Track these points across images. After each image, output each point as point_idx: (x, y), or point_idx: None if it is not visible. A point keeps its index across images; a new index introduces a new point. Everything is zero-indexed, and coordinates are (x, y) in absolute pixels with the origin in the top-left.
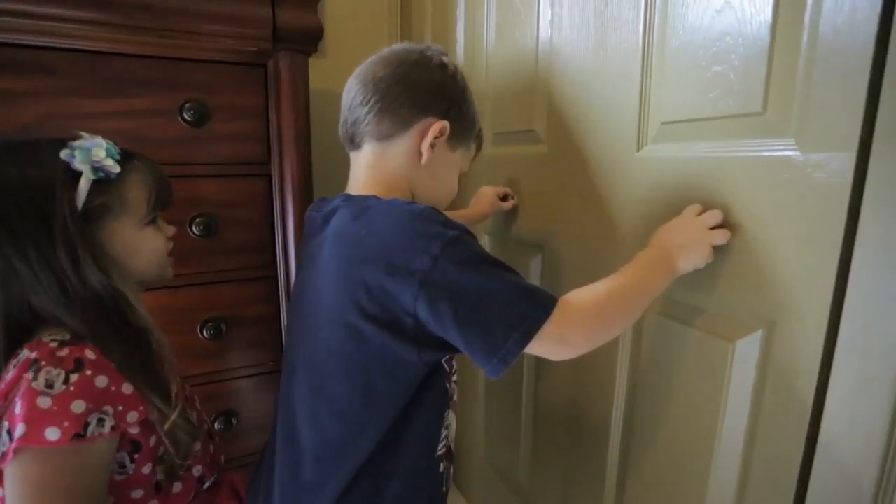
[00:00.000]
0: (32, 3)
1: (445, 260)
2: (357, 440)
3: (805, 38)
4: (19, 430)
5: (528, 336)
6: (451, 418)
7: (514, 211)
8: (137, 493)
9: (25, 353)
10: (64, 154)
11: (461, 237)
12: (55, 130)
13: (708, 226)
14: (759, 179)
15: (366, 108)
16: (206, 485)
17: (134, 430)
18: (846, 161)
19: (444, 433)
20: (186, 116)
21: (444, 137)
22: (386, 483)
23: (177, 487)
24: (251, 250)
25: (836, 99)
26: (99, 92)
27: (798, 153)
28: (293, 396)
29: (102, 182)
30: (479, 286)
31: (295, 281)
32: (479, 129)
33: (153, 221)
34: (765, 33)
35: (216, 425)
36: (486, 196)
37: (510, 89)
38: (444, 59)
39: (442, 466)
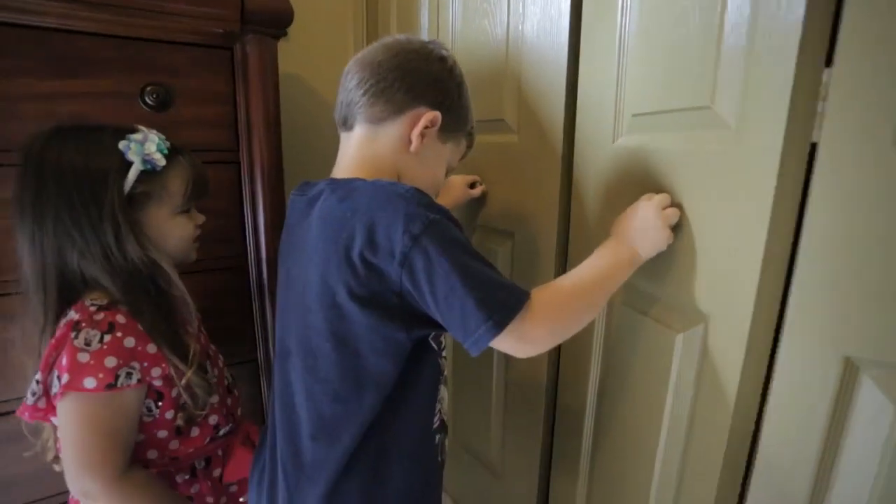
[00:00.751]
0: None
1: (426, 240)
2: (353, 419)
3: (744, 41)
4: (64, 378)
5: (500, 327)
6: (444, 392)
7: (483, 198)
8: (162, 434)
9: (71, 314)
10: (121, 145)
11: (441, 220)
12: (35, 117)
13: (660, 207)
14: (703, 171)
15: (361, 91)
16: (222, 432)
17: (157, 383)
18: (774, 152)
19: (437, 406)
20: (148, 100)
21: (435, 128)
22: (384, 458)
23: (194, 432)
24: (220, 240)
25: (770, 95)
26: (52, 72)
27: (737, 146)
28: (289, 379)
29: (149, 172)
30: (456, 270)
31: (280, 266)
32: (472, 127)
33: (187, 210)
34: (713, 35)
35: None
36: (455, 185)
37: (477, 78)
38: (445, 52)
39: (437, 438)
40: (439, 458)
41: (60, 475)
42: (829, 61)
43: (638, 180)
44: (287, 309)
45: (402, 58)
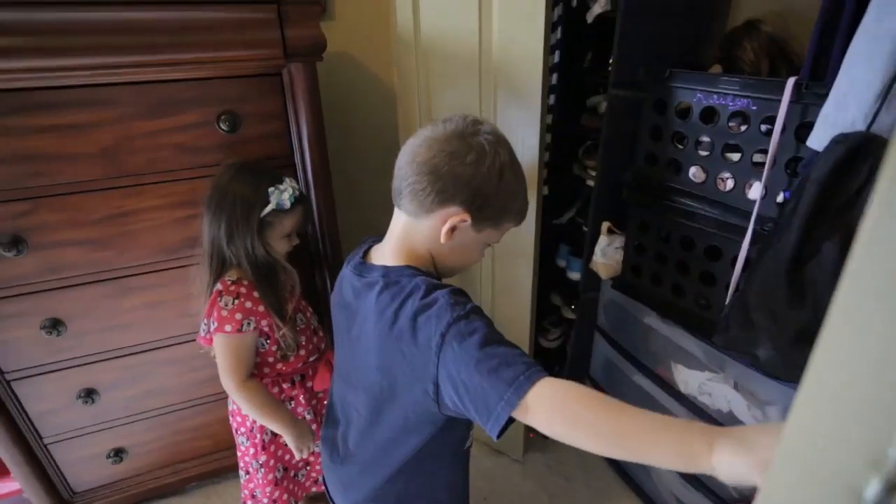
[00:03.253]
0: (87, 55)
1: (451, 338)
2: (401, 449)
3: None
4: (213, 325)
5: (512, 405)
6: None
7: None
8: (269, 359)
9: (217, 286)
10: (270, 190)
11: (463, 316)
12: (146, 150)
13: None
14: None
15: (403, 183)
16: (311, 359)
17: (266, 329)
18: None
19: (470, 433)
20: (223, 125)
21: (467, 223)
22: (432, 462)
23: (291, 359)
24: None
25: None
26: (154, 114)
27: None
28: (350, 398)
29: (277, 210)
30: (477, 361)
31: (338, 319)
32: (519, 208)
33: (288, 237)
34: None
35: None
36: None
37: None
38: (487, 144)
39: (468, 444)
40: (467, 449)
41: (197, 388)
42: None
43: None
44: (350, 357)
45: (437, 160)
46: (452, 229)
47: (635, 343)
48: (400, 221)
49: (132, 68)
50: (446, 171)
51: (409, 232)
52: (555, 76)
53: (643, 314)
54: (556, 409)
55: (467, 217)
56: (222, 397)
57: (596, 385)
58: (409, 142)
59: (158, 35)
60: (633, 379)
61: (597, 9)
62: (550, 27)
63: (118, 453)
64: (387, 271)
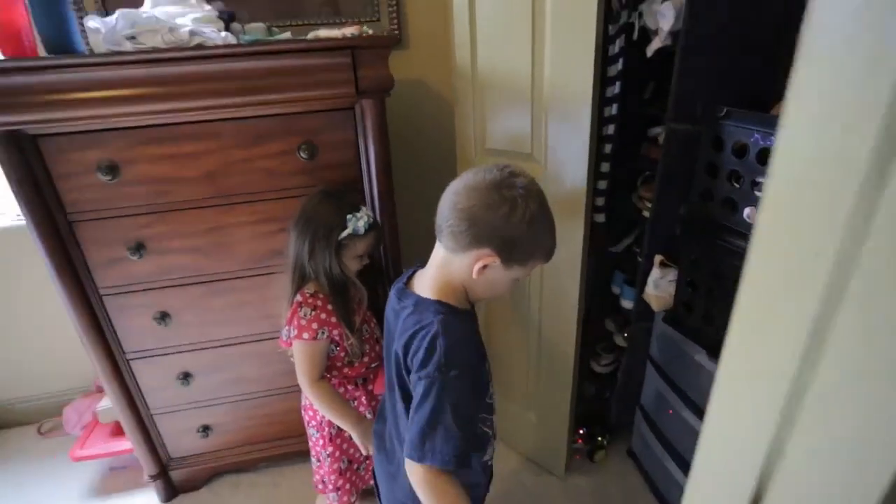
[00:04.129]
0: (198, 98)
1: (426, 380)
2: None
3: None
4: (293, 332)
5: (411, 458)
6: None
7: None
8: (338, 363)
9: (297, 298)
10: (348, 217)
11: (443, 379)
12: (240, 173)
13: None
14: None
15: (444, 224)
16: (373, 365)
17: (336, 338)
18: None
19: (489, 451)
20: (302, 154)
21: (497, 263)
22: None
23: (356, 364)
24: None
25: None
26: (247, 144)
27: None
28: (388, 401)
29: (352, 235)
30: (427, 412)
31: (385, 333)
32: (545, 252)
33: (360, 257)
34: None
35: None
36: None
37: None
38: (519, 198)
39: (484, 458)
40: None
41: (272, 380)
42: None
43: None
44: (386, 365)
45: (475, 209)
46: (484, 267)
47: (686, 378)
48: (440, 254)
49: (232, 108)
50: (482, 220)
51: (446, 264)
52: (615, 106)
53: (693, 350)
54: (420, 488)
55: (497, 259)
56: (292, 390)
57: (645, 415)
58: (452, 186)
59: (254, 80)
60: (682, 414)
61: (656, 43)
62: (600, 65)
63: (205, 429)
64: (418, 301)
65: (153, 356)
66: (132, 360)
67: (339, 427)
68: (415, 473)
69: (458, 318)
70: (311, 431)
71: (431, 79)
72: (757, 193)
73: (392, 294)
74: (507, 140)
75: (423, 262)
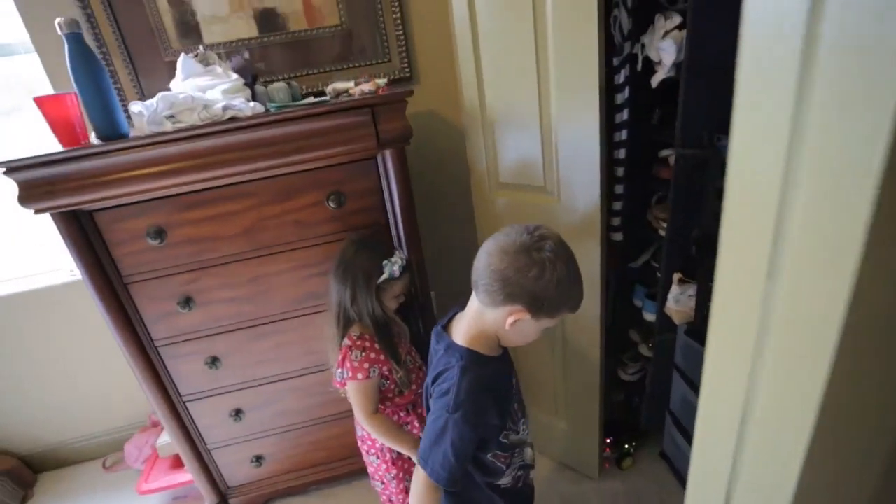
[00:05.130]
0: (233, 164)
1: (440, 409)
2: None
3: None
4: (347, 373)
5: (418, 462)
6: (524, 456)
7: None
8: (389, 395)
9: (346, 342)
10: (384, 262)
11: (454, 416)
12: (275, 227)
13: None
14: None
15: (480, 282)
16: (420, 392)
17: (386, 373)
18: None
19: (505, 479)
20: (331, 203)
21: (528, 317)
22: (476, 496)
23: (406, 393)
24: None
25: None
26: (279, 200)
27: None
28: None
29: (388, 279)
30: (440, 435)
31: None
32: (572, 305)
33: (397, 297)
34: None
35: None
36: None
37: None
38: (548, 261)
39: (502, 482)
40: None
41: (316, 410)
42: None
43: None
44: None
45: (508, 272)
46: (515, 321)
47: None
48: (475, 305)
49: (265, 170)
50: (514, 281)
51: (481, 314)
52: (625, 132)
53: None
54: (414, 487)
55: (528, 314)
56: (336, 418)
57: (675, 419)
58: (486, 246)
59: (283, 144)
60: None
61: (661, 74)
62: (605, 96)
63: (258, 459)
64: (450, 346)
65: (206, 397)
66: (188, 401)
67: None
68: (417, 472)
69: (481, 366)
70: (371, 459)
71: (442, 109)
72: None
73: (433, 335)
74: (520, 174)
75: (462, 305)
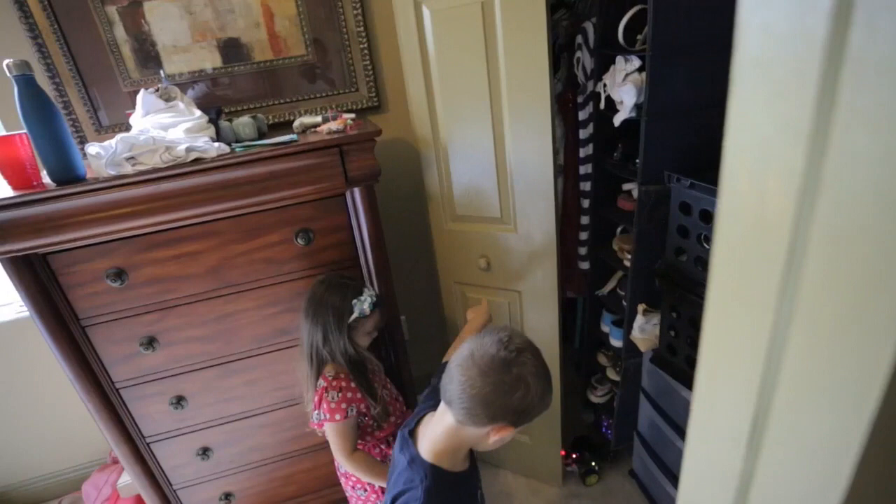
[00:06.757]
0: (198, 206)
1: None
2: None
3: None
4: (325, 415)
5: None
6: None
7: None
8: (368, 429)
9: (321, 382)
10: (354, 301)
11: None
12: (242, 265)
13: None
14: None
15: (457, 402)
16: (399, 422)
17: (364, 410)
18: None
19: None
20: (300, 240)
21: (511, 430)
22: None
23: (385, 427)
24: None
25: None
26: (246, 238)
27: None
28: None
29: (359, 317)
30: None
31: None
32: (548, 406)
33: (369, 333)
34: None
35: None
36: (478, 315)
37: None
38: (530, 377)
39: None
40: None
41: (285, 445)
42: None
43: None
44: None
45: (491, 395)
46: (500, 437)
47: (676, 410)
48: (449, 422)
49: (231, 210)
50: (498, 404)
51: (456, 432)
52: (590, 166)
53: (680, 387)
54: None
55: (513, 429)
56: (306, 452)
57: (643, 440)
58: (460, 364)
59: (249, 185)
60: (677, 444)
61: (622, 114)
62: (554, 141)
63: (227, 496)
64: (413, 458)
65: (172, 437)
66: (151, 442)
67: None
68: None
69: (448, 487)
70: (358, 493)
71: (410, 137)
72: None
73: (398, 438)
74: (476, 207)
75: (433, 405)
